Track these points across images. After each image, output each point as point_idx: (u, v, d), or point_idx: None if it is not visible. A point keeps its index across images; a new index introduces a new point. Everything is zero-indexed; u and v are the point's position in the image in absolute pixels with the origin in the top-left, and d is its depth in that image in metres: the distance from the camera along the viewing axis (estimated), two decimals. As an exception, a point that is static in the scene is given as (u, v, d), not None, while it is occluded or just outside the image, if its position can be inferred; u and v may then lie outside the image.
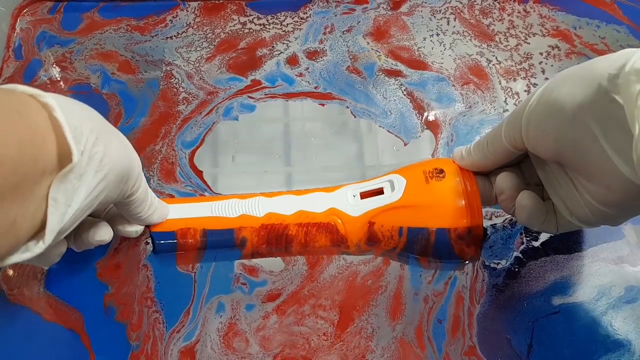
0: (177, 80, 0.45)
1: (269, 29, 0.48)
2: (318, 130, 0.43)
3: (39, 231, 0.24)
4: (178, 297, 0.35)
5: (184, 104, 0.44)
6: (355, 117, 0.44)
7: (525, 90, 0.45)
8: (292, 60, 0.47)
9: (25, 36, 0.47)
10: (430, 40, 0.48)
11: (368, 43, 0.48)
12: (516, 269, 0.37)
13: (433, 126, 0.43)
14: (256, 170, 0.41)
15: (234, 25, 0.48)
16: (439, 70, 0.46)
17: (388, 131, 0.43)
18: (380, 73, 0.46)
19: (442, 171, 0.35)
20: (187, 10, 0.49)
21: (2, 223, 0.21)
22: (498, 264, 0.37)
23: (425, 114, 0.44)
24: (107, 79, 0.45)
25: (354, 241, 0.36)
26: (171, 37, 0.47)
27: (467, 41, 0.48)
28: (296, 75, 0.46)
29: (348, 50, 0.48)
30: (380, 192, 0.36)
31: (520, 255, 0.38)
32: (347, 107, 0.44)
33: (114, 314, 0.35)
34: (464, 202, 0.34)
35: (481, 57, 0.47)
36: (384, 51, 0.47)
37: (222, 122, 0.43)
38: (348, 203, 0.36)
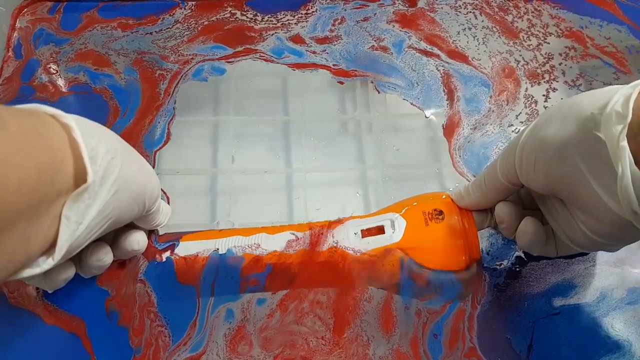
0: (150, 62, 0.45)
1: (260, 22, 0.48)
2: (324, 128, 0.43)
3: (50, 248, 0.24)
4: (182, 310, 0.34)
5: (160, 80, 0.44)
6: (379, 92, 0.44)
7: (544, 95, 0.44)
8: (297, 39, 0.47)
9: (25, 36, 0.46)
10: (465, 35, 0.48)
11: (393, 26, 0.48)
12: (517, 269, 0.37)
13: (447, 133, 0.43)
14: (256, 170, 0.41)
15: (224, 15, 0.48)
16: (479, 67, 0.46)
17: (411, 104, 0.44)
18: (411, 50, 0.46)
19: (441, 212, 0.36)
20: (185, 9, 0.48)
21: (18, 240, 0.22)
22: (500, 264, 0.37)
23: (454, 105, 0.44)
24: (94, 76, 0.44)
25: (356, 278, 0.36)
26: (150, 33, 0.47)
27: (496, 37, 0.48)
28: (308, 51, 0.46)
29: (369, 34, 0.47)
30: (380, 230, 0.36)
31: (522, 254, 0.37)
32: (372, 82, 0.45)
33: (116, 318, 0.34)
34: (462, 243, 0.35)
35: (510, 55, 0.47)
36: (417, 36, 0.47)
37: (190, 81, 0.44)
38: (350, 241, 0.36)
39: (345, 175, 0.41)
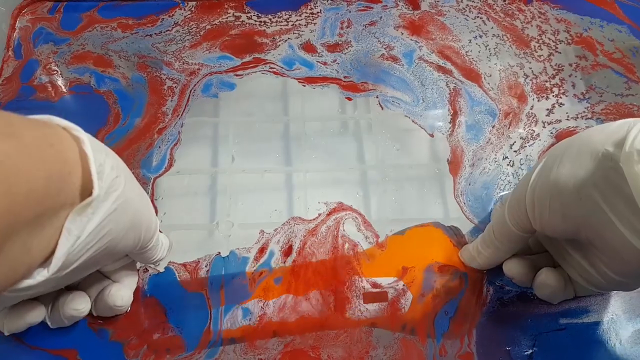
0: (155, 69, 0.44)
1: (270, 25, 0.47)
2: (324, 128, 0.42)
3: (45, 260, 0.23)
4: (195, 319, 0.34)
5: (169, 95, 0.42)
6: (382, 108, 0.43)
7: (548, 109, 0.43)
8: (309, 48, 0.45)
9: (25, 36, 0.45)
10: (476, 43, 0.46)
11: (402, 33, 0.46)
12: (531, 296, 0.35)
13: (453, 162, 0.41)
14: (256, 169, 0.40)
15: (226, 18, 0.47)
16: (489, 90, 0.43)
17: (413, 121, 0.42)
18: (422, 62, 0.45)
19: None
20: (185, 10, 0.47)
21: (21, 250, 0.21)
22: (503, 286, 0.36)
23: (456, 121, 0.42)
24: (100, 78, 0.43)
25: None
26: (150, 35, 0.46)
27: (508, 47, 0.46)
28: (319, 62, 0.45)
29: (379, 41, 0.46)
30: (384, 296, 0.34)
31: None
32: (377, 97, 0.43)
33: (107, 335, 0.33)
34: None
35: (520, 69, 0.45)
36: (429, 47, 0.46)
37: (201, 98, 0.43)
38: (351, 308, 0.34)
39: (345, 175, 0.40)
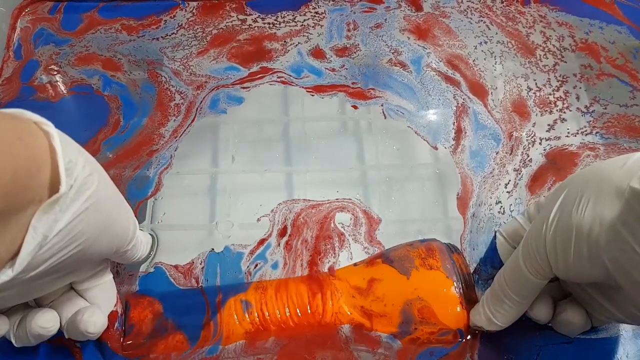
0: (164, 77, 0.43)
1: (279, 27, 0.46)
2: (324, 128, 0.42)
3: (11, 259, 0.22)
4: (193, 314, 0.33)
5: (174, 115, 0.42)
6: (385, 117, 0.42)
7: (549, 125, 0.42)
8: (318, 53, 0.45)
9: (25, 36, 0.45)
10: (482, 50, 0.45)
11: (408, 38, 0.46)
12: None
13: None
14: (256, 169, 0.40)
15: (232, 22, 0.46)
16: (493, 109, 0.42)
17: (415, 132, 0.42)
18: (430, 70, 0.44)
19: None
20: (186, 10, 0.47)
21: None
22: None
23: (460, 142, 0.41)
24: (107, 82, 0.43)
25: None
26: (157, 39, 0.45)
27: (513, 55, 0.45)
28: (327, 69, 0.44)
29: (386, 44, 0.46)
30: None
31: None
32: (381, 105, 0.43)
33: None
34: None
35: (525, 80, 0.44)
36: (437, 54, 0.45)
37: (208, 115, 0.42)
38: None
39: (345, 175, 0.40)
